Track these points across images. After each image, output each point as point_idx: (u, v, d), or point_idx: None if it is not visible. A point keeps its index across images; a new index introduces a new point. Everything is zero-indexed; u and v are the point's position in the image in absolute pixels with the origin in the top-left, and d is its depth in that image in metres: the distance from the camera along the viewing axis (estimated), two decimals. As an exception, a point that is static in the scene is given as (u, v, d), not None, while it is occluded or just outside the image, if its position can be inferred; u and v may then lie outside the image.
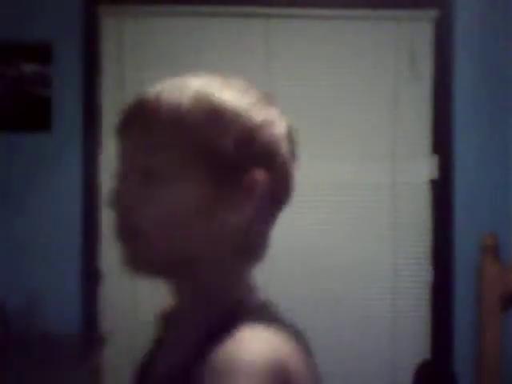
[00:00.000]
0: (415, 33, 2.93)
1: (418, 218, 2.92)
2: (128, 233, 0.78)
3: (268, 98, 0.82)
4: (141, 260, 0.78)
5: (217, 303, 0.79)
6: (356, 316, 2.90)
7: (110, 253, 2.86)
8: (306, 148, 2.89)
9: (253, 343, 0.70)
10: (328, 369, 2.90)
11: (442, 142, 2.92)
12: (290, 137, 0.82)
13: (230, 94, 0.77)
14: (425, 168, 2.93)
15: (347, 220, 2.91)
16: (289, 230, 2.89)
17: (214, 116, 0.76)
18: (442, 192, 2.91)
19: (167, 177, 0.75)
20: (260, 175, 0.76)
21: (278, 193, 0.80)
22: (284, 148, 0.80)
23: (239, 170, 0.76)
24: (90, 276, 2.83)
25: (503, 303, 2.84)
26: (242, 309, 0.78)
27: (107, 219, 2.86)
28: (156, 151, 0.76)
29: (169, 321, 0.91)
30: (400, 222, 2.92)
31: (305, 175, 2.90)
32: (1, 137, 2.79)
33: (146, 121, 0.77)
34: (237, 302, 0.79)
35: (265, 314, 0.77)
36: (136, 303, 2.87)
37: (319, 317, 2.90)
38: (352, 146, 2.92)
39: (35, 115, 2.79)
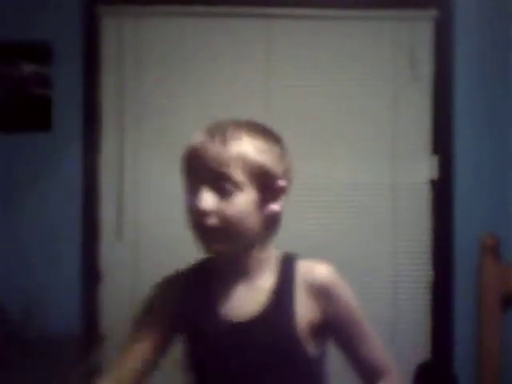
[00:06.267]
0: (415, 33, 2.93)
1: (417, 218, 2.92)
2: (221, 224, 1.24)
3: (281, 145, 1.33)
4: (230, 239, 1.28)
5: (269, 257, 1.42)
6: (356, 316, 2.90)
7: (110, 253, 2.86)
8: (306, 148, 2.89)
9: (322, 266, 1.42)
10: (327, 368, 2.90)
11: (442, 142, 2.92)
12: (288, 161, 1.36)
13: (265, 156, 1.29)
14: (425, 168, 2.93)
15: (347, 220, 2.91)
16: (288, 230, 2.88)
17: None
18: (442, 192, 2.91)
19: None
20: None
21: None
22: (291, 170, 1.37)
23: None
24: (90, 276, 2.83)
25: (503, 303, 2.84)
26: (289, 256, 1.45)
27: (107, 219, 2.86)
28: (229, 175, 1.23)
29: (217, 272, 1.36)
30: (400, 222, 2.92)
31: (305, 175, 2.89)
32: (1, 137, 2.80)
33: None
34: (280, 254, 1.44)
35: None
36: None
37: (319, 317, 2.90)
38: (352, 145, 2.92)
39: (35, 115, 2.79)
